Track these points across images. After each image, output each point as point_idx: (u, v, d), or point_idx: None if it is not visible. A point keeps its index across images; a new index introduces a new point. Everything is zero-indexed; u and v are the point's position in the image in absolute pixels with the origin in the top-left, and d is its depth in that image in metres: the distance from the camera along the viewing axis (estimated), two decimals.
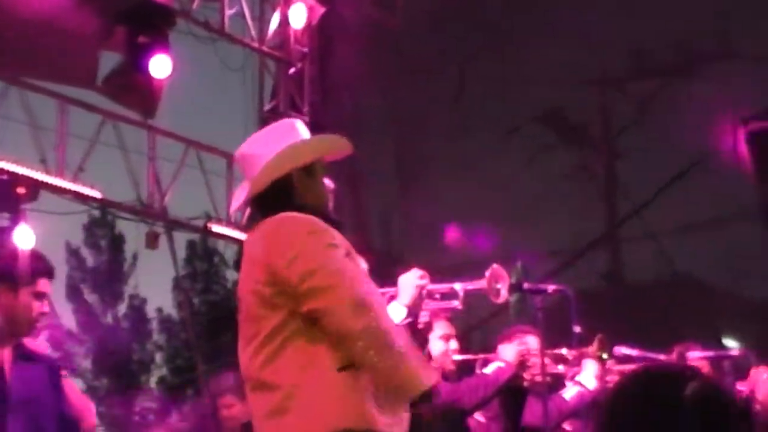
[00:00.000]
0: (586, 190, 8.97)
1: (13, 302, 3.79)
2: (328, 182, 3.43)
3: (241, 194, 3.41)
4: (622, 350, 5.05)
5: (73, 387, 4.32)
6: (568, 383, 5.12)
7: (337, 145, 3.42)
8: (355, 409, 3.07)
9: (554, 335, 4.67)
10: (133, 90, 8.26)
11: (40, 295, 3.88)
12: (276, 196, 3.23)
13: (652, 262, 8.41)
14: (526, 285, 4.33)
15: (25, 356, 3.89)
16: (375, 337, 3.04)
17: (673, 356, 5.30)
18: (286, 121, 3.49)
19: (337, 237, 3.20)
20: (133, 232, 8.87)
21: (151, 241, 8.48)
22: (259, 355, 3.15)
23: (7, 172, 7.73)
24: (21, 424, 3.77)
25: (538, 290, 4.38)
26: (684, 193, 8.15)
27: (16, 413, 3.74)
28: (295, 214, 3.20)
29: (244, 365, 3.22)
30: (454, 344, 5.04)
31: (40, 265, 3.95)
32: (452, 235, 8.72)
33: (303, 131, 3.34)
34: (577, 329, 4.30)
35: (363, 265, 3.30)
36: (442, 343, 4.96)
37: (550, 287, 4.43)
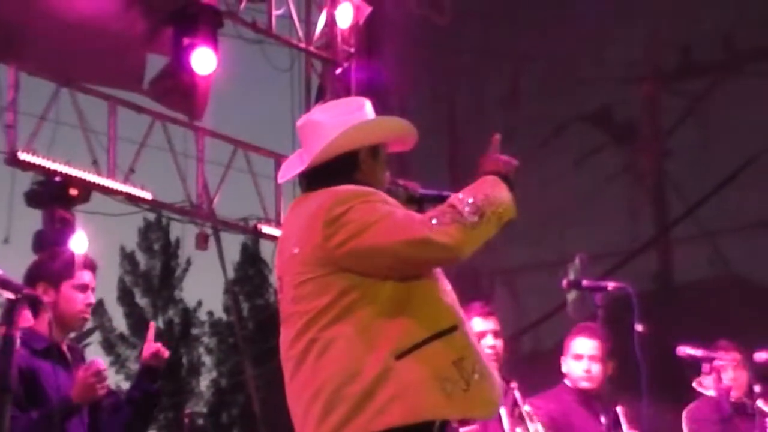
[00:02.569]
0: (636, 190, 8.82)
1: (56, 298, 3.81)
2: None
3: (295, 162, 3.18)
4: (686, 350, 4.90)
5: None
6: None
7: (407, 131, 3.22)
8: (417, 400, 2.82)
9: (613, 334, 4.54)
10: (180, 92, 8.28)
11: (83, 287, 3.89)
12: (338, 170, 3.04)
13: (707, 263, 8.24)
14: (585, 282, 4.23)
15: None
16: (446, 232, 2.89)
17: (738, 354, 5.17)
18: (355, 98, 3.33)
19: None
20: (186, 235, 8.94)
21: (201, 242, 8.50)
22: (303, 336, 2.93)
23: (60, 174, 7.78)
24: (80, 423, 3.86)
25: (598, 287, 4.26)
26: (738, 191, 7.98)
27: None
28: (352, 186, 3.00)
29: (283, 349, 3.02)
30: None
31: (79, 258, 3.97)
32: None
33: (370, 111, 3.18)
34: (639, 328, 4.16)
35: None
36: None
37: (610, 284, 4.29)
